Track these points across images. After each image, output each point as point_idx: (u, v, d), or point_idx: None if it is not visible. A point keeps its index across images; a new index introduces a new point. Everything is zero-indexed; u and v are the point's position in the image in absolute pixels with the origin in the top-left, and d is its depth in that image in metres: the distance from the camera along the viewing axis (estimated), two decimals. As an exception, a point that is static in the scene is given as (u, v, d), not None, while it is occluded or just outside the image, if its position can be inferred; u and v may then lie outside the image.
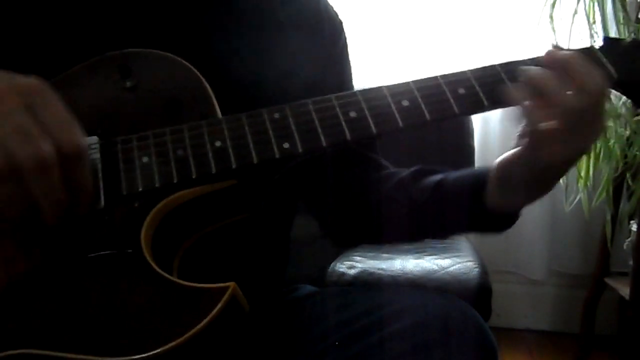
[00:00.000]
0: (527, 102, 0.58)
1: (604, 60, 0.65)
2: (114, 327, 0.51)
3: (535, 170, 0.61)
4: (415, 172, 0.75)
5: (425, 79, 0.63)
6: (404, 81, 0.62)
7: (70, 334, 0.51)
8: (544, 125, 0.57)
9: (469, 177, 0.69)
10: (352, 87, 0.83)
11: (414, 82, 0.62)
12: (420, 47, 1.97)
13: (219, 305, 0.50)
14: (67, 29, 0.65)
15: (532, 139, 0.59)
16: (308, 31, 0.76)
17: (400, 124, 0.60)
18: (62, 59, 0.63)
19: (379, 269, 1.31)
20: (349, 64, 0.84)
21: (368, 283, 1.26)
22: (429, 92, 0.61)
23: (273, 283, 0.80)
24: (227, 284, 0.51)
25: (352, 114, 0.60)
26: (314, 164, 0.74)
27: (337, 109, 0.60)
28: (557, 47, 0.62)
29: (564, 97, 0.57)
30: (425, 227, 0.74)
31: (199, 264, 0.60)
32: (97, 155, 0.57)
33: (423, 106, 0.61)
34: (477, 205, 0.66)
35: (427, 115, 0.61)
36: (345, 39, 0.83)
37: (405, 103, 0.61)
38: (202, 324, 0.49)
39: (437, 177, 0.72)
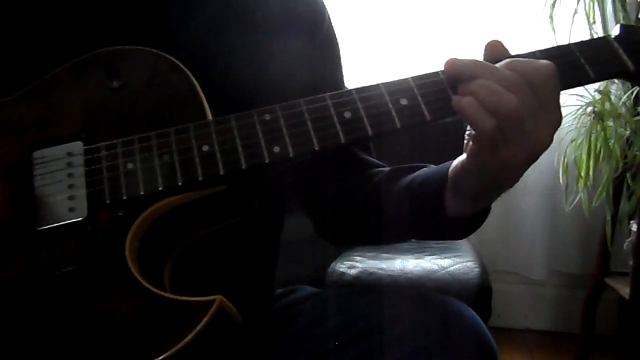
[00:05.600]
0: (460, 101, 0.55)
1: (620, 51, 0.60)
2: (98, 343, 0.49)
3: (486, 175, 0.57)
4: (391, 172, 0.73)
5: (425, 74, 0.58)
6: (403, 78, 0.58)
7: (53, 349, 0.49)
8: (480, 128, 0.54)
9: (432, 183, 0.66)
10: (344, 86, 0.82)
11: (414, 78, 0.58)
12: (419, 46, 1.97)
13: (205, 319, 0.48)
14: (54, 27, 0.63)
15: (474, 145, 0.56)
16: (305, 31, 0.76)
17: (398, 125, 0.56)
18: (49, 58, 0.61)
19: (379, 268, 1.31)
20: (341, 62, 0.83)
21: (368, 283, 1.27)
22: (430, 90, 0.57)
23: (264, 285, 0.79)
24: (213, 297, 0.49)
25: (347, 115, 0.56)
26: (308, 164, 0.74)
27: (331, 110, 0.56)
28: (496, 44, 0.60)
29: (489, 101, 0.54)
30: (395, 230, 0.73)
31: (190, 270, 0.59)
32: (82, 163, 0.55)
33: (423, 105, 0.57)
34: (438, 213, 0.64)
35: (427, 116, 0.56)
36: (336, 37, 0.82)
37: (404, 102, 0.57)
38: (187, 338, 0.47)
39: (407, 179, 0.70)
